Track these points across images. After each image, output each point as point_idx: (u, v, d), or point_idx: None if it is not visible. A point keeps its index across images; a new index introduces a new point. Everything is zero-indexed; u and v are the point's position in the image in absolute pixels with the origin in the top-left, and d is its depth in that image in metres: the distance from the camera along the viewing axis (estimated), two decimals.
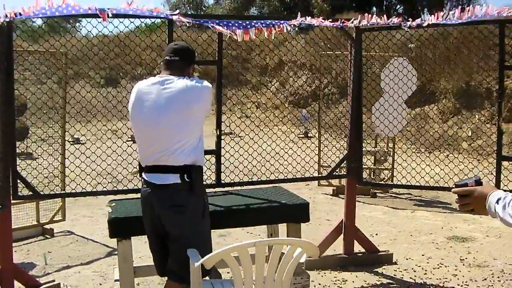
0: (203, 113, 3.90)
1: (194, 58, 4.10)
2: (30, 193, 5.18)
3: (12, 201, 5.17)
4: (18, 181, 5.02)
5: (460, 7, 5.34)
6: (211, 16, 7.81)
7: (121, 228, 4.65)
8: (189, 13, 29.24)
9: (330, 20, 5.68)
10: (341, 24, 5.68)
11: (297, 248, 3.38)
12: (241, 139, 6.07)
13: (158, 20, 6.02)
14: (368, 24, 5.66)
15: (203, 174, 4.03)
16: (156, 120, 3.77)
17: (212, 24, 5.02)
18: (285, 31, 5.30)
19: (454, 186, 2.51)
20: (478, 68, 14.29)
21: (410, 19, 5.61)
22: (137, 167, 4.10)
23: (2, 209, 4.83)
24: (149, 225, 4.06)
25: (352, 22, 5.67)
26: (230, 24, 5.10)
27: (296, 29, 5.67)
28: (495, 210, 2.30)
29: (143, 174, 3.97)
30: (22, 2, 4.32)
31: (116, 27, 6.06)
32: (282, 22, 5.33)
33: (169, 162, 3.79)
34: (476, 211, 2.47)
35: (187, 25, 5.08)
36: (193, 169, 3.83)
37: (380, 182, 10.37)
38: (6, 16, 4.42)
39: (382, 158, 10.83)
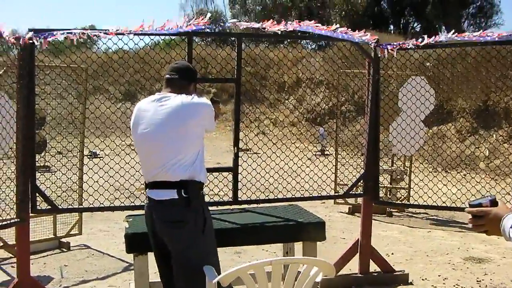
0: (200, 129, 3.97)
1: (194, 77, 4.19)
2: (49, 207, 5.22)
3: (30, 215, 5.21)
4: (37, 194, 5.07)
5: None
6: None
7: (138, 243, 4.68)
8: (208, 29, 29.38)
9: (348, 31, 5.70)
10: (362, 39, 5.71)
11: (313, 267, 3.38)
12: (258, 157, 6.09)
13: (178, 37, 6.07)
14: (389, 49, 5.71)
15: (203, 189, 4.04)
16: (153, 136, 3.87)
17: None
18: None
19: (468, 206, 2.45)
20: (496, 88, 14.24)
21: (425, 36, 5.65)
22: (144, 184, 4.16)
23: (21, 222, 4.88)
24: (152, 240, 4.12)
25: (374, 42, 5.71)
26: None
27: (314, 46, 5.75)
28: (509, 235, 2.24)
29: (147, 190, 4.03)
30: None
31: (137, 44, 6.11)
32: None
33: (167, 178, 3.85)
34: (490, 232, 2.40)
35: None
36: (190, 184, 3.86)
37: (396, 202, 10.33)
38: (28, 31, 4.50)
39: (399, 177, 10.79)
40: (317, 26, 5.41)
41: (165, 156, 3.82)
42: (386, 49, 5.85)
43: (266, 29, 5.18)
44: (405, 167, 10.82)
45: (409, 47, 5.85)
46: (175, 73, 4.01)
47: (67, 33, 4.64)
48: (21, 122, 4.77)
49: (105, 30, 4.85)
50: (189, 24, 5.00)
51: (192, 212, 3.88)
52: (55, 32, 4.64)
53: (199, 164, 3.94)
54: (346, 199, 10.37)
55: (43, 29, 4.85)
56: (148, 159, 3.94)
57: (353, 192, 6.60)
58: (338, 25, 5.69)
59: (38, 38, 4.57)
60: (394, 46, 5.86)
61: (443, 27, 35.08)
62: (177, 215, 3.85)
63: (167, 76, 4.02)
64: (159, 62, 5.73)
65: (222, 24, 5.46)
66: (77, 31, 4.69)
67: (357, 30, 5.79)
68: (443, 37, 5.57)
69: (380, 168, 6.96)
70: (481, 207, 2.40)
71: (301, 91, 23.53)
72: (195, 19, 5.03)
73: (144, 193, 4.12)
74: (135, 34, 5.00)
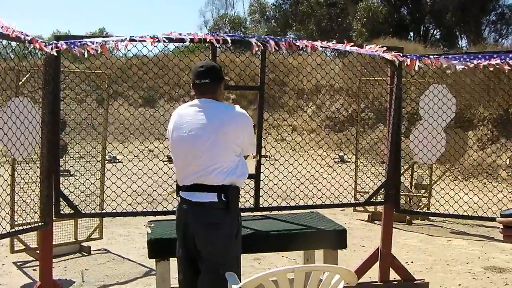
0: (239, 137, 3.98)
1: (222, 74, 4.16)
2: (72, 211, 5.25)
3: (53, 219, 5.25)
4: (61, 199, 5.11)
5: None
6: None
7: (160, 248, 4.72)
8: (229, 33, 29.59)
9: (369, 46, 5.68)
10: (390, 57, 5.66)
11: (335, 274, 3.39)
12: (280, 164, 6.08)
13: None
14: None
15: (239, 196, 4.11)
16: (193, 141, 3.89)
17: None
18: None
19: (499, 216, 2.39)
20: None
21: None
22: (174, 187, 4.19)
23: (44, 226, 4.92)
24: (181, 243, 4.13)
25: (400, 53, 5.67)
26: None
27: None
28: None
29: (180, 192, 4.06)
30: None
31: (162, 50, 6.16)
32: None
33: (208, 181, 3.89)
34: None
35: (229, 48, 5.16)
36: (231, 189, 3.92)
37: (417, 210, 10.27)
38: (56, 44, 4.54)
39: (419, 185, 10.75)
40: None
41: (207, 161, 3.86)
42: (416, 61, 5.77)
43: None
44: (426, 175, 10.78)
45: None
46: (204, 77, 4.00)
47: (88, 42, 4.63)
48: (46, 127, 4.82)
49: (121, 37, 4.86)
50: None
51: (229, 216, 3.94)
52: (81, 42, 4.64)
53: (241, 170, 4.00)
54: (366, 206, 10.35)
55: (67, 36, 4.90)
56: (187, 162, 3.95)
57: (374, 200, 6.58)
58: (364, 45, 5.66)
59: (71, 47, 4.56)
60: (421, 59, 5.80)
61: (463, 34, 34.90)
62: (215, 217, 3.90)
63: (197, 81, 4.01)
64: (178, 65, 5.73)
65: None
66: (97, 39, 4.68)
67: (376, 46, 5.73)
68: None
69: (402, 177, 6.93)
70: None
71: (320, 97, 23.47)
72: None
73: (174, 196, 4.16)
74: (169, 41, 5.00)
